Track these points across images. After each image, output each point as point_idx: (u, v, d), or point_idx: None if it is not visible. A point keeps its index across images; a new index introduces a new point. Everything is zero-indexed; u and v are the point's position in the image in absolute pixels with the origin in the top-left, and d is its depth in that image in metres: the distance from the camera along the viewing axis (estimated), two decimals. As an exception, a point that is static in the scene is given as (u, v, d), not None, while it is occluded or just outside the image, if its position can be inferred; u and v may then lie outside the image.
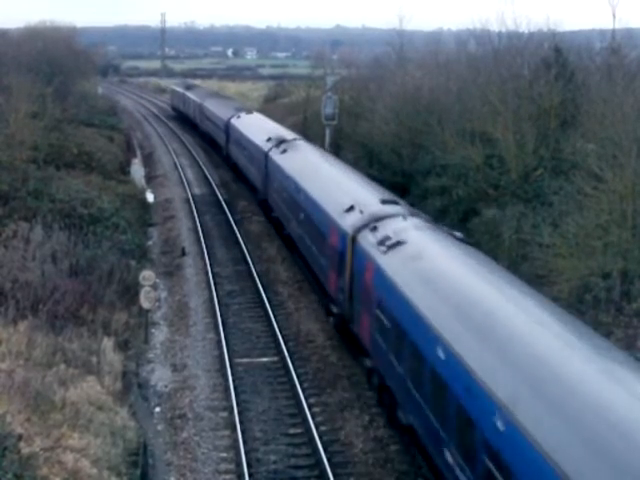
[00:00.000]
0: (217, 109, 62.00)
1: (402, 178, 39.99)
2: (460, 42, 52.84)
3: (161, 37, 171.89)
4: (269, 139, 39.73)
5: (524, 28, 39.76)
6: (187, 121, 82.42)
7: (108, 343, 22.93)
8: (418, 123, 40.73)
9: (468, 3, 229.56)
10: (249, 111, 56.08)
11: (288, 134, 41.46)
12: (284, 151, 36.11)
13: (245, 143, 45.94)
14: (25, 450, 15.54)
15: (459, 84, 40.73)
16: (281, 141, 38.28)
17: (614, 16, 43.28)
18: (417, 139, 40.49)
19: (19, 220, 31.22)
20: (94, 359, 21.72)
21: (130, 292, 27.69)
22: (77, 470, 15.70)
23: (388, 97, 46.11)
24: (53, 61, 66.95)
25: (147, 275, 26.16)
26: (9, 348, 20.45)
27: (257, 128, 45.94)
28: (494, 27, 42.58)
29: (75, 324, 23.63)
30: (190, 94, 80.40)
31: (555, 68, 34.01)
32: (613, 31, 43.54)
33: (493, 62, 38.62)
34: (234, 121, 52.54)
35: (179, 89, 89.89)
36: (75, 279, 26.87)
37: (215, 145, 62.61)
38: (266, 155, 38.35)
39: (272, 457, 18.53)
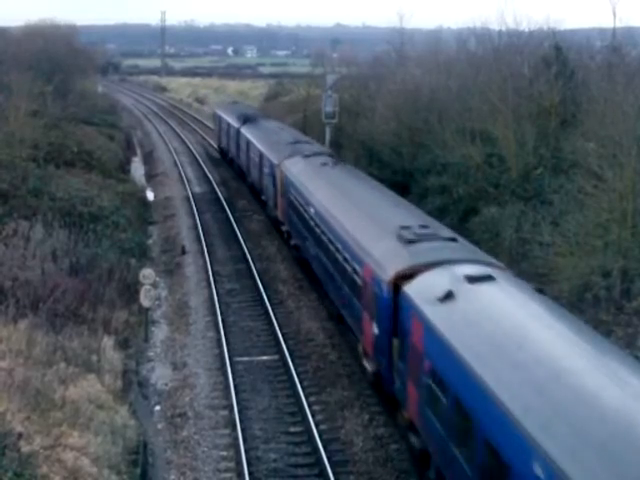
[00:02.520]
0: (332, 212, 24.39)
1: (402, 177, 39.95)
2: (460, 41, 52.88)
3: (161, 35, 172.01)
4: None
5: (524, 26, 39.84)
6: (241, 176, 49.01)
7: (108, 341, 22.93)
8: (418, 122, 40.70)
9: (468, 1, 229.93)
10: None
11: None
12: None
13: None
14: (25, 448, 15.54)
15: (459, 83, 40.68)
16: None
17: (614, 15, 43.43)
18: (417, 138, 40.45)
19: (19, 218, 31.19)
20: (94, 357, 21.71)
21: (130, 290, 27.70)
22: (77, 469, 15.70)
23: (388, 96, 46.07)
24: (53, 59, 66.98)
25: (147, 273, 26.17)
26: (9, 346, 20.42)
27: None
28: (494, 25, 42.79)
29: (75, 322, 23.63)
30: (252, 137, 42.71)
31: (555, 67, 33.98)
32: (613, 30, 43.63)
33: (493, 60, 38.57)
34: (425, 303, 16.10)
35: (230, 119, 51.91)
36: (75, 277, 26.85)
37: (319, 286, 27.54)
38: None
39: (272, 455, 18.53)
